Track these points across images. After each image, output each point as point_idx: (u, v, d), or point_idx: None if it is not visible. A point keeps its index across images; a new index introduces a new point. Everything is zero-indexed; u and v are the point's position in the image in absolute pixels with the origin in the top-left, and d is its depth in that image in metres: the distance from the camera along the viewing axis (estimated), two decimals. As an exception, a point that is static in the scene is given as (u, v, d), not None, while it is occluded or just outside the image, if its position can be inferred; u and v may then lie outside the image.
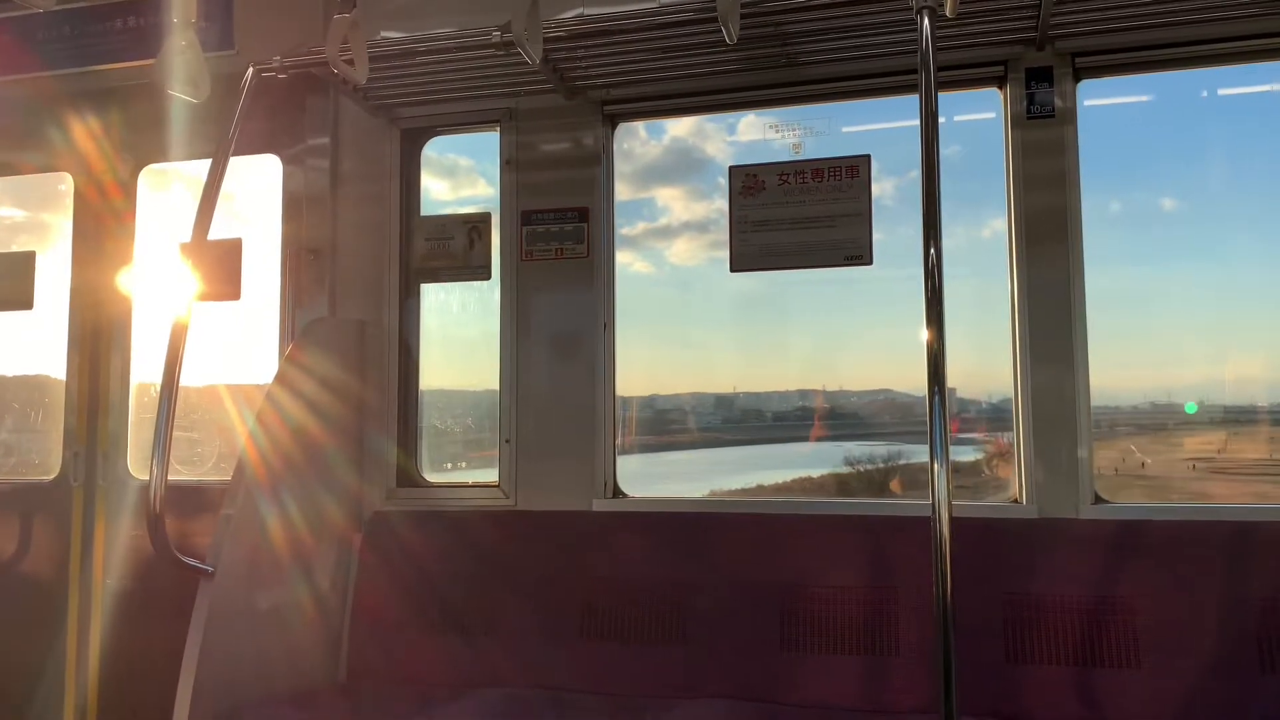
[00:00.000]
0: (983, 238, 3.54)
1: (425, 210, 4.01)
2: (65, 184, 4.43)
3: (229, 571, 3.06)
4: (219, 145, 3.11)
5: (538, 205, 3.79)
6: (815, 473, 4.05)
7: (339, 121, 4.00)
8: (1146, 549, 3.00)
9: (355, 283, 3.95)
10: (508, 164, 3.84)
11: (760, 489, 4.04)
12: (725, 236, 3.54)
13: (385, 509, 3.82)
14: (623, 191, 3.85)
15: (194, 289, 3.09)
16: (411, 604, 3.53)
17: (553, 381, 3.73)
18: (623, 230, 3.84)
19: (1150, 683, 2.86)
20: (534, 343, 3.77)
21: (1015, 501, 3.28)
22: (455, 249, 3.90)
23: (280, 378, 3.40)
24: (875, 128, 3.64)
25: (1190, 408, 3.35)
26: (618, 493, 3.67)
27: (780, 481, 4.03)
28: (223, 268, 3.91)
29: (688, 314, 4.06)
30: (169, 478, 2.89)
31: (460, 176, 4.17)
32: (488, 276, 3.87)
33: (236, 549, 3.10)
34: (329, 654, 3.57)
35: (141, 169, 4.35)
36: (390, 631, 3.53)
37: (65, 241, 4.40)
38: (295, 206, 4.02)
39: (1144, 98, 3.39)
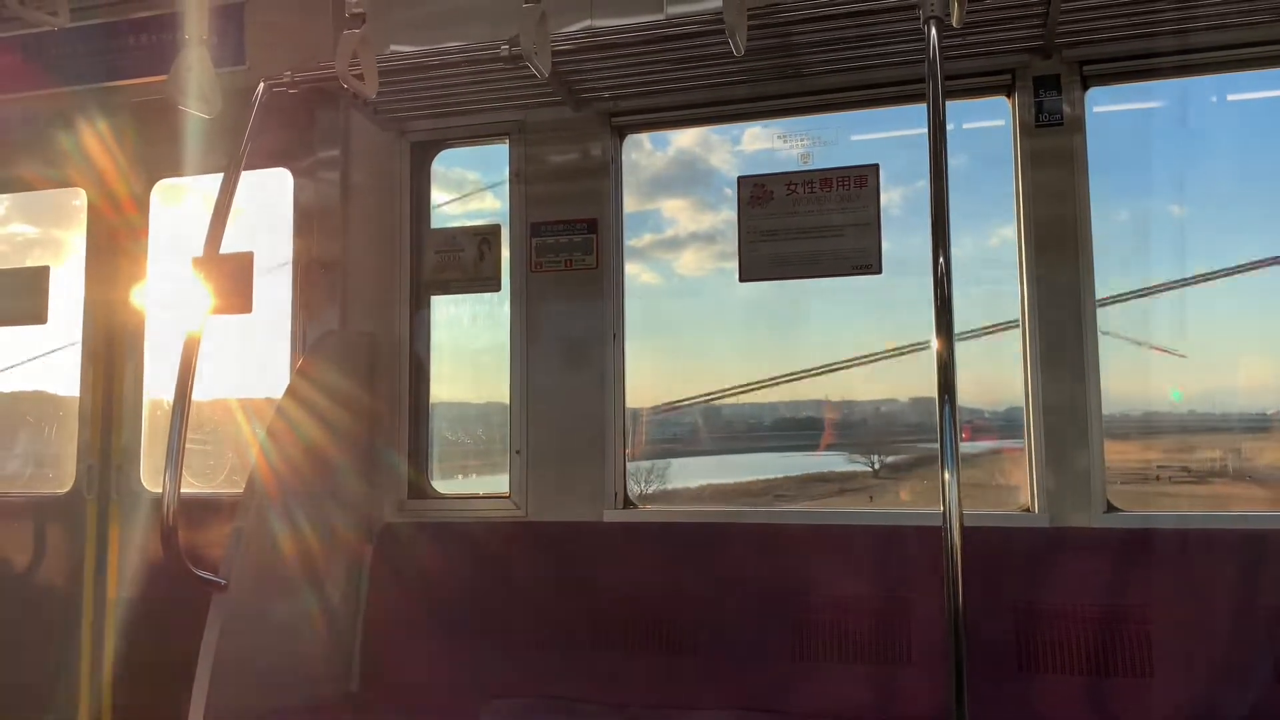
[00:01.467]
0: (991, 246, 3.54)
1: (435, 223, 4.03)
2: (79, 199, 4.47)
3: (241, 583, 3.07)
4: (230, 159, 3.14)
5: (547, 217, 3.80)
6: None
7: (349, 135, 4.02)
8: (1159, 558, 2.99)
9: (365, 295, 3.97)
10: (516, 176, 3.86)
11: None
12: (733, 247, 3.55)
13: (396, 520, 3.83)
14: (630, 203, 3.86)
15: (206, 302, 3.11)
16: (422, 615, 3.54)
17: (563, 392, 3.74)
18: (630, 241, 3.86)
19: (1163, 692, 2.84)
20: (544, 354, 3.78)
21: (1027, 510, 3.27)
22: (465, 261, 3.92)
23: (291, 390, 3.42)
24: (883, 137, 3.64)
25: (1175, 395, 3.34)
26: (628, 503, 3.68)
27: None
28: (234, 281, 3.93)
29: (694, 324, 4.07)
30: (182, 490, 2.90)
31: (469, 189, 4.19)
32: (497, 288, 3.88)
33: (248, 561, 3.11)
34: (341, 665, 3.58)
35: (154, 184, 4.38)
36: (401, 642, 3.53)
37: (79, 256, 4.43)
38: (306, 219, 4.04)
39: (1153, 104, 3.39)
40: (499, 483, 3.83)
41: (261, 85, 3.29)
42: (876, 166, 3.42)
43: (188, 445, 2.89)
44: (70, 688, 4.18)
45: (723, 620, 3.25)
